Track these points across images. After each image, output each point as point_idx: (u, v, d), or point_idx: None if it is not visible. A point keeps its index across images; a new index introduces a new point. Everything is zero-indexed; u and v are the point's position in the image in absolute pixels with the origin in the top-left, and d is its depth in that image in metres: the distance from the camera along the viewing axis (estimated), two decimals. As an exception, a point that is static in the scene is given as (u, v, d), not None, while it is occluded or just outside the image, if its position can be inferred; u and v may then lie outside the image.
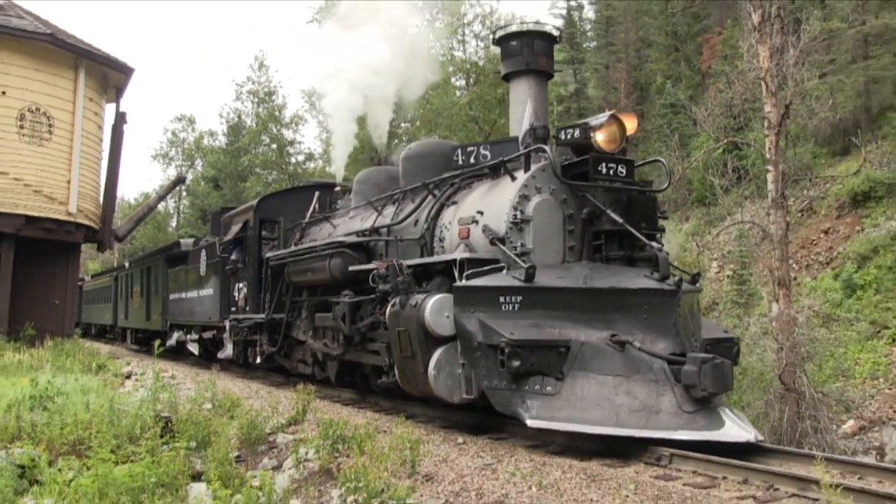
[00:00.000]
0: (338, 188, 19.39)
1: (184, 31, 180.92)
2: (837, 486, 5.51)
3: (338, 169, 22.24)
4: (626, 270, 10.54)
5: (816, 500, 6.31)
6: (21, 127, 24.37)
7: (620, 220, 10.54)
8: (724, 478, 7.80)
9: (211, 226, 28.67)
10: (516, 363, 9.08)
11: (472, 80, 42.90)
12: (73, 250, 27.73)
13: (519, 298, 9.72)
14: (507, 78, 13.39)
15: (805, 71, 23.55)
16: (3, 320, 23.36)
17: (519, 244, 10.51)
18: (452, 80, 43.20)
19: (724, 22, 51.15)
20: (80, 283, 48.63)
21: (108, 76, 28.15)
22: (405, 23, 19.76)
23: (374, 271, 11.79)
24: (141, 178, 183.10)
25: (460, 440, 10.10)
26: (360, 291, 13.26)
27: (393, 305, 10.98)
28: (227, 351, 21.35)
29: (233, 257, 20.33)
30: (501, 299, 9.71)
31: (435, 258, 11.68)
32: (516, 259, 10.18)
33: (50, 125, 25.06)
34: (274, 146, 59.45)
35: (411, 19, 20.35)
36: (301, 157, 59.88)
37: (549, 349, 9.28)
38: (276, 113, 59.80)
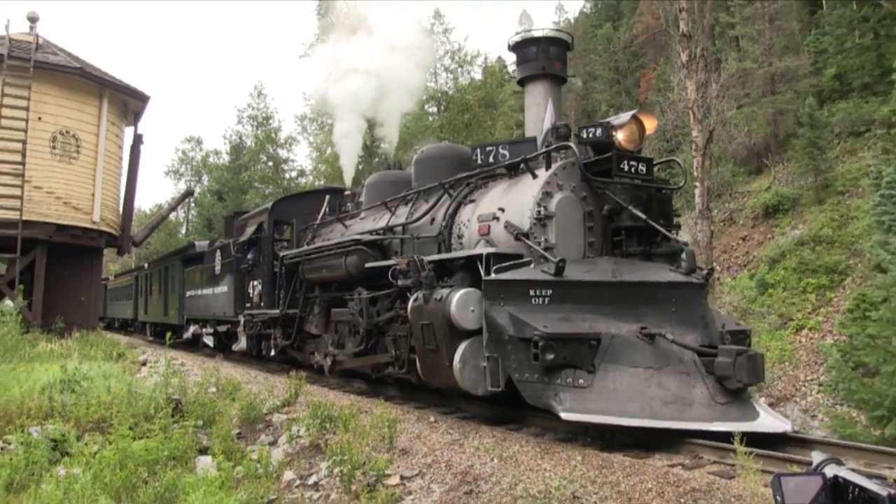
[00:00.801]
0: (347, 192, 17.99)
1: (194, 64, 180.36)
2: (750, 453, 5.56)
3: (347, 175, 20.82)
4: (650, 265, 9.61)
5: (733, 465, 6.32)
6: (53, 147, 24.40)
7: (643, 217, 9.64)
8: (658, 449, 7.82)
9: (224, 228, 26.95)
10: (550, 356, 8.06)
11: (442, 108, 42.90)
12: (96, 254, 27.71)
13: (549, 292, 8.70)
14: (522, 83, 12.17)
15: (725, 103, 23.89)
16: (38, 315, 23.23)
17: (542, 239, 9.44)
18: (426, 107, 43.15)
19: (658, 60, 51.66)
20: (104, 282, 48.15)
21: (128, 103, 28.08)
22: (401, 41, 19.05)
23: (395, 267, 10.73)
24: (155, 191, 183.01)
25: (432, 419, 10.07)
26: (374, 287, 12.27)
27: (415, 300, 9.82)
28: (241, 344, 20.15)
29: (248, 257, 19.14)
30: (531, 293, 8.68)
31: (459, 253, 10.36)
32: (544, 253, 9.16)
33: (78, 146, 25.05)
34: (270, 164, 59.73)
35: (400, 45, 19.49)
36: (294, 174, 59.97)
37: (581, 342, 8.25)
38: (273, 135, 60.06)
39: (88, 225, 25.42)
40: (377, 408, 9.35)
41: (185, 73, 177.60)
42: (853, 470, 2.33)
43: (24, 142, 23.13)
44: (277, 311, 16.78)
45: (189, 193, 49.08)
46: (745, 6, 41.29)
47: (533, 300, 8.68)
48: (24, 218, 23.09)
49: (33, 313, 22.94)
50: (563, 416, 7.89)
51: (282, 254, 16.94)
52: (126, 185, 28.67)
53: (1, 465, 7.49)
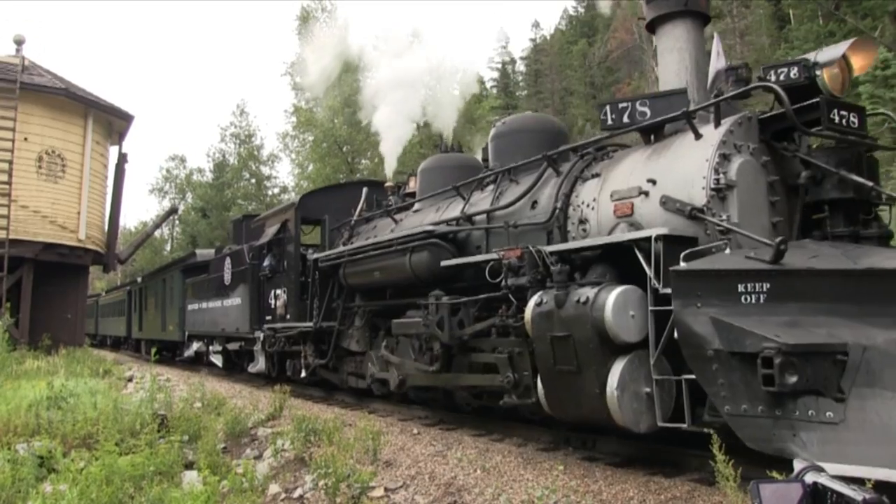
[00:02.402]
0: (389, 184, 15.13)
1: (178, 83, 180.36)
2: (729, 460, 5.54)
3: (388, 166, 17.47)
4: (882, 250, 6.87)
5: (713, 471, 6.29)
6: (39, 167, 24.47)
7: (869, 183, 7.03)
8: (640, 457, 7.77)
9: (232, 234, 23.92)
10: (792, 379, 5.48)
11: (422, 123, 43.00)
12: (82, 271, 27.74)
13: (766, 286, 6.06)
14: (653, 26, 9.06)
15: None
16: (25, 332, 23.22)
17: (724, 217, 6.89)
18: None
19: (633, 74, 51.92)
20: (96, 299, 47.54)
21: (113, 123, 28.14)
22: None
23: (501, 261, 8.17)
24: (139, 209, 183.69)
25: (415, 431, 10.01)
26: (446, 291, 9.80)
27: (539, 304, 7.30)
28: (259, 364, 17.28)
29: (265, 263, 16.54)
30: (741, 288, 6.07)
31: (615, 237, 7.35)
32: (749, 235, 6.58)
33: (63, 165, 25.09)
34: (253, 181, 59.80)
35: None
36: (276, 190, 60.01)
37: (824, 357, 5.66)
38: (255, 152, 60.10)
39: (74, 243, 25.45)
40: (361, 420, 9.32)
41: (168, 93, 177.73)
42: (833, 477, 2.32)
43: (10, 162, 23.18)
44: (310, 324, 14.05)
45: (173, 211, 48.83)
46: (716, 21, 41.61)
47: (743, 298, 6.11)
48: (10, 237, 23.08)
49: (20, 331, 22.90)
50: None
51: (314, 256, 14.38)
52: (111, 204, 28.83)
53: (-13, 483, 7.42)
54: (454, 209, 10.81)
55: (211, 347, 21.94)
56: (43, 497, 6.74)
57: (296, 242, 15.26)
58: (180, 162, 71.68)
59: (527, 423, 9.40)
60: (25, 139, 24.04)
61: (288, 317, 15.09)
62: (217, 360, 21.53)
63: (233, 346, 19.67)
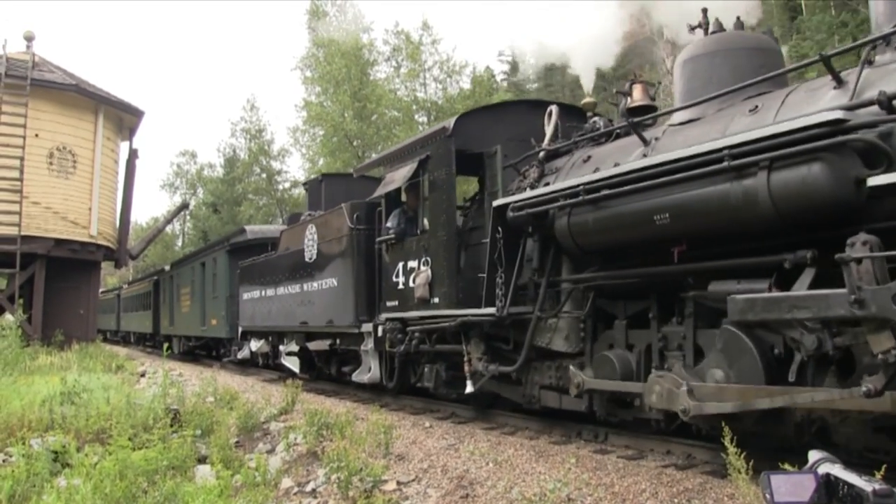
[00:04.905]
0: (588, 99, 10.58)
1: (188, 78, 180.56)
2: (740, 453, 5.53)
3: (586, 83, 11.53)
4: None
5: (724, 464, 6.29)
6: (50, 163, 24.64)
7: None
8: (651, 450, 7.77)
9: (308, 199, 17.67)
10: None
11: (432, 117, 42.93)
12: (94, 267, 27.88)
13: None
14: None
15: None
16: (38, 328, 23.36)
17: None
18: (416, 116, 43.12)
19: (643, 67, 51.75)
20: (117, 292, 47.15)
21: (123, 119, 28.29)
22: None
23: None
24: (151, 205, 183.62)
25: (427, 424, 10.01)
26: (811, 242, 5.46)
27: None
28: (372, 372, 12.35)
29: (389, 224, 11.73)
30: None
31: None
32: None
33: (74, 161, 25.23)
34: (264, 175, 59.69)
35: None
36: (287, 185, 60.04)
37: None
38: (266, 147, 60.06)
39: (86, 239, 25.61)
40: (373, 414, 9.29)
41: (178, 88, 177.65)
42: (846, 468, 2.33)
43: (21, 158, 23.30)
44: (491, 310, 8.93)
45: (184, 206, 49.08)
46: (727, 12, 41.46)
47: None
48: (22, 233, 23.24)
49: (33, 327, 23.03)
50: None
51: (498, 202, 8.94)
52: (122, 199, 29.01)
53: (3, 478, 7.44)
54: (810, 102, 6.09)
55: (281, 347, 16.83)
56: (57, 491, 6.77)
57: (448, 187, 10.39)
58: (191, 157, 71.80)
59: (539, 416, 9.40)
60: (36, 135, 24.18)
61: (435, 300, 10.42)
62: (292, 363, 16.41)
63: (318, 346, 14.73)
